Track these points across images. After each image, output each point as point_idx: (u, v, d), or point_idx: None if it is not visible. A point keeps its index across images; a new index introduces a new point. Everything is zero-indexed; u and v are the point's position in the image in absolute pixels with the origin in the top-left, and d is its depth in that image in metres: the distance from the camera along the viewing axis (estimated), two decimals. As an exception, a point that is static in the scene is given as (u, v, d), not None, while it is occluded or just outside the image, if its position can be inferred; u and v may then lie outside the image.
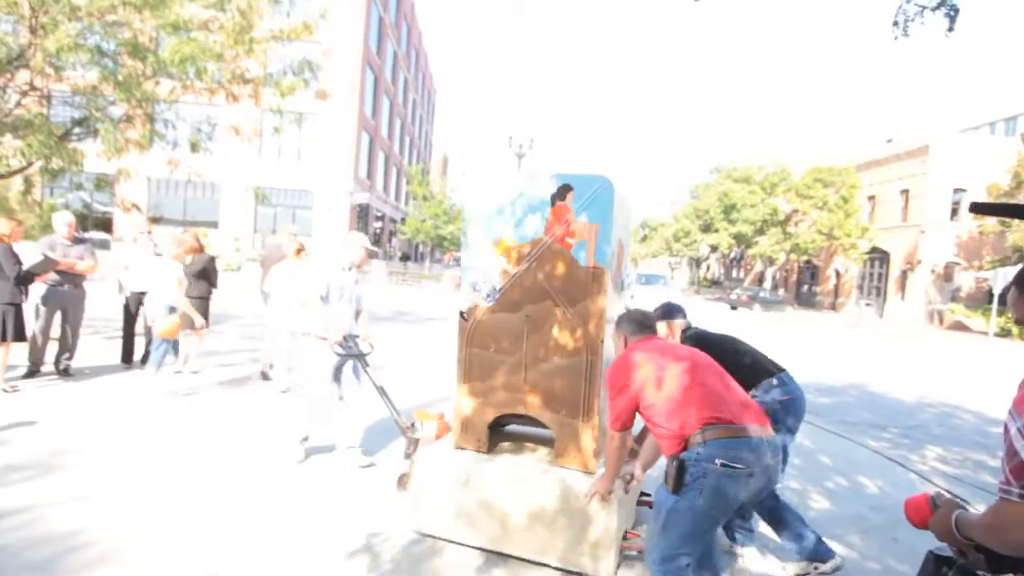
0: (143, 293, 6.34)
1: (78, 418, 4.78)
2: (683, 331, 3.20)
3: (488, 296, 3.13)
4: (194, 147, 9.64)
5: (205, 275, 6.56)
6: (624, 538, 2.91)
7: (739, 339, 3.25)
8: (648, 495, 3.21)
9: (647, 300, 4.83)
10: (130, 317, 6.83)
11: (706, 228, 38.69)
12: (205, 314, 6.39)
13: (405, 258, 38.01)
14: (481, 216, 3.16)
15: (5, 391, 5.35)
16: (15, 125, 7.37)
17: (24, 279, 5.31)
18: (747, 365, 2.98)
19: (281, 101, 9.62)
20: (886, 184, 32.86)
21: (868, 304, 26.69)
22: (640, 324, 2.63)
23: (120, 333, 6.91)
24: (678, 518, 2.15)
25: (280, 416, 5.02)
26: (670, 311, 3.23)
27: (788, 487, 4.33)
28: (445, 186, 41.67)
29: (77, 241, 6.13)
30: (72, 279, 6.05)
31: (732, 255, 44.86)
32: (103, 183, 9.04)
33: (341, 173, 29.33)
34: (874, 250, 32.40)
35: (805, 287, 40.68)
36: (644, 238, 49.92)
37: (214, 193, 28.50)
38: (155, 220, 29.27)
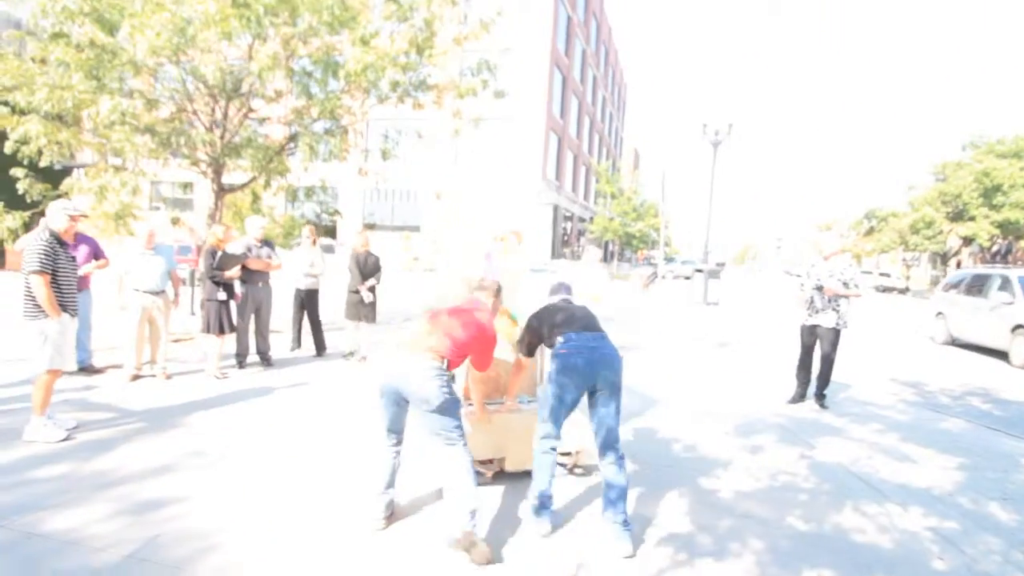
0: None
1: (263, 408, 5.11)
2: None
3: None
4: (384, 155, 10.22)
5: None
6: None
7: (567, 306, 3.51)
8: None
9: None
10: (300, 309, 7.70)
11: (957, 216, 31.74)
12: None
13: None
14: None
15: (216, 377, 6.02)
16: (240, 145, 8.44)
17: (215, 278, 5.92)
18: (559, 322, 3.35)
19: (461, 104, 9.83)
20: None
21: None
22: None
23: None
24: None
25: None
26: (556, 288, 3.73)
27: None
28: (635, 182, 40.30)
29: (265, 244, 6.73)
30: (263, 277, 6.66)
31: (995, 248, 36.21)
32: (311, 191, 9.98)
33: (530, 174, 29.93)
34: None
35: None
36: (870, 231, 42.75)
37: (416, 200, 31.07)
38: (369, 226, 33.22)
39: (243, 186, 9.44)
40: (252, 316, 6.66)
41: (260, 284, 6.68)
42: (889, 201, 42.64)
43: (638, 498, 3.61)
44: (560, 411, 3.18)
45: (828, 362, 6.01)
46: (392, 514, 3.20)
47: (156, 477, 3.59)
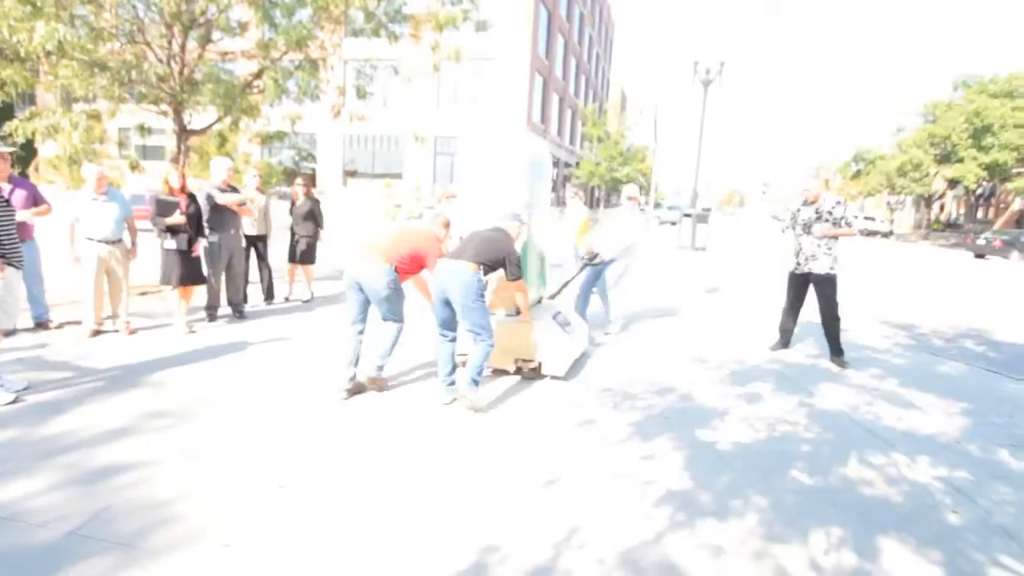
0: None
1: (231, 364, 4.79)
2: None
3: None
4: (359, 92, 9.58)
5: (312, 216, 7.39)
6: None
7: (470, 236, 4.32)
8: None
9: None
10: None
11: (945, 158, 31.46)
12: (312, 252, 7.43)
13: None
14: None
15: (187, 332, 5.67)
16: (200, 81, 7.78)
17: (157, 225, 5.49)
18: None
19: (440, 37, 9.17)
20: None
21: None
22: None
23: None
24: None
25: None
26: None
27: None
28: (622, 125, 39.30)
29: (233, 190, 6.24)
30: (236, 223, 6.21)
31: (979, 191, 36.18)
32: (276, 137, 9.31)
33: (515, 117, 28.96)
34: None
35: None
36: (857, 173, 42.43)
37: (398, 146, 30.02)
38: (350, 173, 32.23)
39: (207, 128, 8.80)
40: (225, 265, 6.27)
41: (232, 231, 6.24)
42: (878, 143, 42.22)
43: (634, 453, 3.40)
44: (439, 313, 4.22)
45: (832, 315, 5.46)
46: (354, 387, 4.21)
47: (111, 442, 3.29)
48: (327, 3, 7.01)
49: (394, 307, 4.26)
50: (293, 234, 7.30)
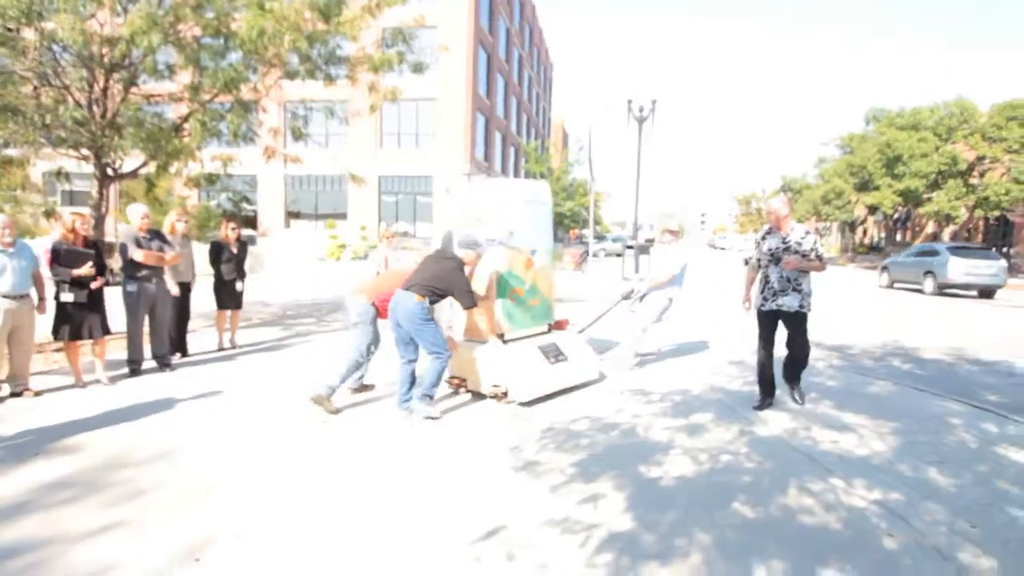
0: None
1: (149, 423, 4.44)
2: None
3: None
4: (295, 133, 9.42)
5: (242, 260, 7.26)
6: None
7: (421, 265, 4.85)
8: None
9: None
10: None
11: (863, 186, 33.64)
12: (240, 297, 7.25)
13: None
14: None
15: (103, 383, 5.27)
16: (122, 125, 7.46)
17: (57, 276, 5.16)
18: None
19: (378, 78, 9.18)
20: (1112, 114, 26.25)
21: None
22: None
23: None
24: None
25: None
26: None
27: None
28: (564, 162, 40.30)
29: (155, 234, 5.94)
30: (158, 273, 5.89)
31: (896, 216, 38.76)
32: (209, 180, 8.98)
33: (457, 155, 29.23)
34: (1095, 198, 26.13)
35: (994, 248, 34.10)
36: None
37: (341, 186, 29.70)
38: (293, 214, 31.57)
39: (133, 172, 8.43)
40: (146, 316, 5.90)
41: (154, 280, 5.89)
42: (803, 173, 44.83)
43: (577, 495, 3.31)
44: (395, 337, 4.76)
45: (800, 354, 4.98)
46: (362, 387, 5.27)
47: (11, 520, 2.94)
48: (255, 46, 6.87)
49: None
50: (221, 279, 6.97)
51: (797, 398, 5.16)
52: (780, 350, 5.07)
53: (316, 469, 3.66)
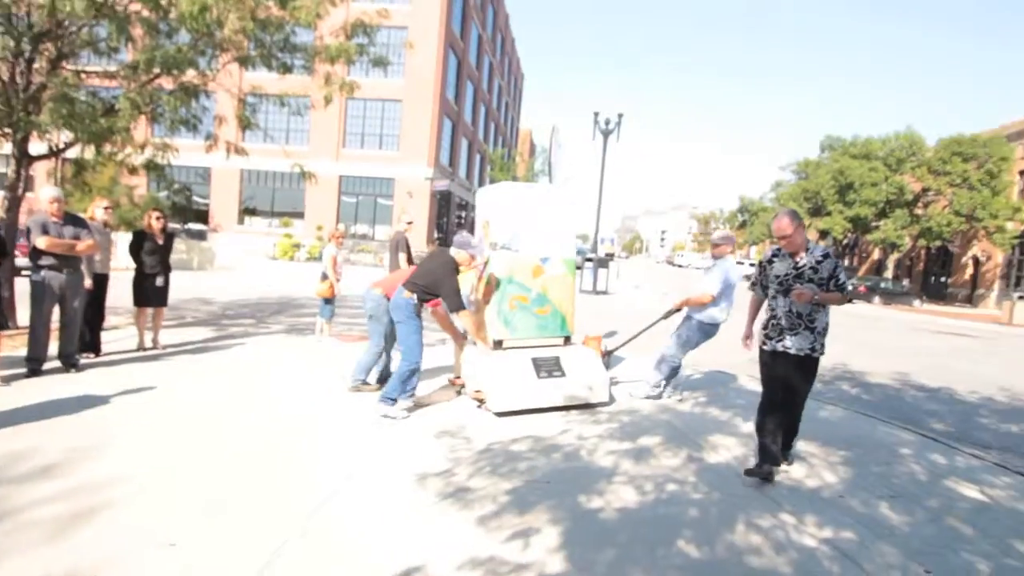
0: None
1: (43, 430, 3.91)
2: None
3: None
4: (243, 123, 8.89)
5: (167, 254, 6.67)
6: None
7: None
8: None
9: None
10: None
11: (816, 211, 34.68)
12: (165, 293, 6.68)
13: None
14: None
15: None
16: (44, 100, 6.83)
17: None
18: None
19: (338, 70, 8.75)
20: (1045, 155, 27.85)
21: (1022, 296, 22.44)
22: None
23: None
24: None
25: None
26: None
27: None
28: (528, 171, 40.26)
29: (71, 220, 5.38)
30: (69, 262, 5.32)
31: (845, 241, 40.15)
32: (150, 166, 8.31)
33: (421, 159, 28.77)
34: (1026, 234, 27.59)
35: (934, 277, 35.69)
36: (743, 224, 45.87)
37: (300, 184, 28.78)
38: (249, 211, 30.46)
39: (55, 153, 7.74)
40: (56, 310, 5.32)
41: (65, 271, 5.30)
42: (760, 195, 46.04)
43: (508, 529, 2.98)
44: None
45: (796, 407, 3.98)
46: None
47: None
48: (198, 24, 6.36)
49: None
50: (143, 273, 6.40)
51: (786, 460, 4.09)
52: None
53: (216, 494, 3.22)
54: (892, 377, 8.21)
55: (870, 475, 4.04)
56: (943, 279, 35.04)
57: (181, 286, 11.79)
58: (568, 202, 5.62)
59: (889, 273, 37.64)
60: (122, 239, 8.44)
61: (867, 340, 12.43)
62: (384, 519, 3.03)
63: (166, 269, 6.58)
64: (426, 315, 4.97)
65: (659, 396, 5.67)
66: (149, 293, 6.45)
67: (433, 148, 29.17)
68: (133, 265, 6.46)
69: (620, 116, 20.35)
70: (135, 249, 6.38)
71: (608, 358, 6.01)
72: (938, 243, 31.33)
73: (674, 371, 5.68)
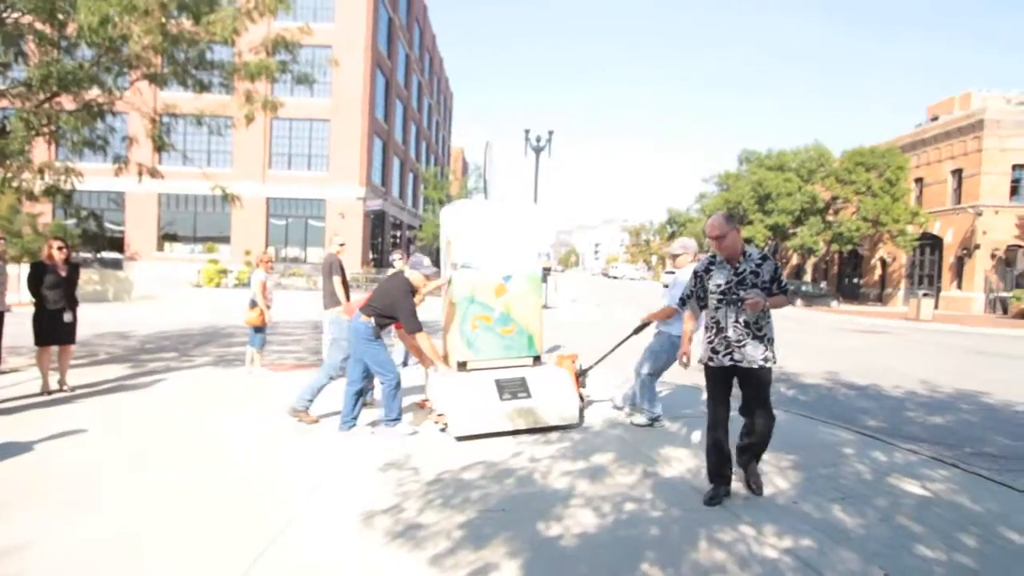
0: None
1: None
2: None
3: None
4: (157, 144, 8.32)
5: (72, 287, 6.13)
6: None
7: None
8: None
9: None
10: None
11: (739, 221, 36.46)
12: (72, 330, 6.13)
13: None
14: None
15: None
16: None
17: None
18: None
19: (258, 88, 8.34)
20: (935, 165, 30.50)
21: (927, 294, 24.28)
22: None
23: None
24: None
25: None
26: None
27: None
28: (462, 189, 40.22)
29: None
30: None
31: (766, 248, 42.39)
32: (51, 191, 7.56)
33: (352, 179, 28.13)
34: (925, 236, 30.00)
35: (847, 279, 38.21)
36: (671, 235, 47.58)
37: (224, 207, 27.48)
38: (169, 237, 28.72)
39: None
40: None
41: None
42: (686, 207, 47.96)
43: (464, 568, 2.78)
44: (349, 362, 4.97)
45: (764, 427, 3.70)
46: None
47: None
48: (99, 38, 5.86)
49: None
50: (44, 308, 5.79)
51: (754, 487, 3.78)
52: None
53: (136, 561, 2.85)
54: (824, 377, 8.55)
55: (819, 478, 4.10)
56: (855, 280, 37.51)
57: (95, 319, 11.00)
58: (536, 218, 5.52)
59: (808, 277, 39.91)
60: (23, 272, 7.66)
61: (795, 341, 13.00)
62: (329, 568, 2.75)
63: (72, 303, 5.99)
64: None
65: (658, 418, 5.37)
66: (52, 330, 5.83)
67: (364, 168, 28.61)
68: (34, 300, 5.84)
69: (551, 133, 20.68)
70: (34, 283, 5.77)
71: (584, 378, 5.79)
72: (849, 247, 33.50)
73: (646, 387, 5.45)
